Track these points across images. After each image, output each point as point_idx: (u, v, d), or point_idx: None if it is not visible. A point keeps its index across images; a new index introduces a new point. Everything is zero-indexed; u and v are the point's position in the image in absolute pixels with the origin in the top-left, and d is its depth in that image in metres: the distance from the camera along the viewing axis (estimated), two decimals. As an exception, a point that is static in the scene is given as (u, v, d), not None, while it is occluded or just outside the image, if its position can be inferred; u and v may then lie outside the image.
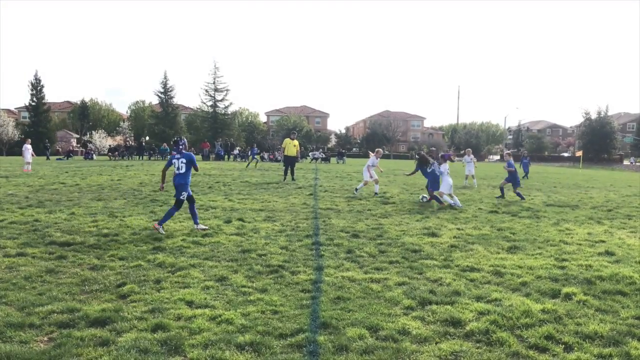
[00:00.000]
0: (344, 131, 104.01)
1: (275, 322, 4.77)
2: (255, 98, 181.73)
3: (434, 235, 9.28)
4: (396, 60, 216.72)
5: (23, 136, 69.34)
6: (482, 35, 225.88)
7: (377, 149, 17.48)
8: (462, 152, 22.65)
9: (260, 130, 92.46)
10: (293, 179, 21.29)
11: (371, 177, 16.26)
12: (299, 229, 9.67)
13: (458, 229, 10.03)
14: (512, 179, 15.88)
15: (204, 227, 9.27)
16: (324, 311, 5.06)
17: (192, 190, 9.63)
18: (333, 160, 54.56)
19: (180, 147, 9.05)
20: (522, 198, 15.47)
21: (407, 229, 9.91)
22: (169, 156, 8.99)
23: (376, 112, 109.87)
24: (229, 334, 4.45)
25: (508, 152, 16.70)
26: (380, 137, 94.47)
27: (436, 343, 4.38)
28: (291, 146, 21.44)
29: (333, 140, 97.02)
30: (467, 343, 4.38)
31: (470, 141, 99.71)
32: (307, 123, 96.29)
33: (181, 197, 9.03)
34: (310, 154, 41.87)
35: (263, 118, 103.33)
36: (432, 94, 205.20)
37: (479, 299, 5.57)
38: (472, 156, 22.50)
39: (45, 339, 4.34)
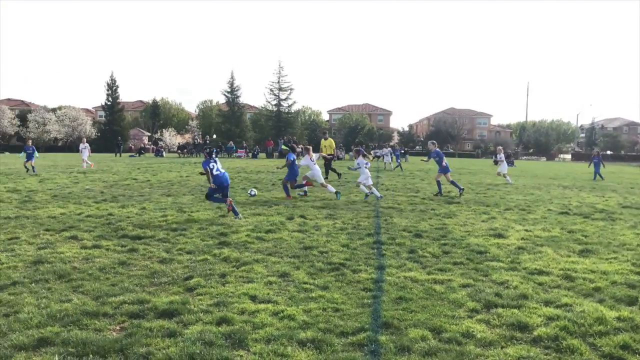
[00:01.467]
0: (407, 129, 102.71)
1: (336, 319, 4.77)
2: (318, 97, 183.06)
3: (500, 236, 9.00)
4: (463, 57, 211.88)
5: (99, 134, 73.29)
6: (552, 30, 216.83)
7: (357, 148, 16.04)
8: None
9: (322, 129, 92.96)
10: (339, 176, 21.31)
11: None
12: (360, 227, 9.63)
13: (526, 230, 9.67)
14: (444, 170, 15.85)
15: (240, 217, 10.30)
16: (386, 311, 5.01)
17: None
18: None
19: (214, 155, 10.79)
20: (458, 188, 15.62)
21: (473, 229, 9.66)
22: (204, 161, 10.93)
23: (441, 110, 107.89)
24: (291, 330, 4.49)
25: (432, 141, 17.36)
26: (444, 134, 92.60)
27: (502, 347, 4.23)
28: (323, 147, 22.00)
29: (396, 138, 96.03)
30: (534, 349, 4.21)
31: (540, 139, 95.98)
32: (370, 121, 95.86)
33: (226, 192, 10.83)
34: (372, 152, 41.29)
35: (325, 116, 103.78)
36: (499, 91, 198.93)
37: (547, 303, 5.34)
38: (501, 155, 22.38)
39: (118, 328, 4.54)
